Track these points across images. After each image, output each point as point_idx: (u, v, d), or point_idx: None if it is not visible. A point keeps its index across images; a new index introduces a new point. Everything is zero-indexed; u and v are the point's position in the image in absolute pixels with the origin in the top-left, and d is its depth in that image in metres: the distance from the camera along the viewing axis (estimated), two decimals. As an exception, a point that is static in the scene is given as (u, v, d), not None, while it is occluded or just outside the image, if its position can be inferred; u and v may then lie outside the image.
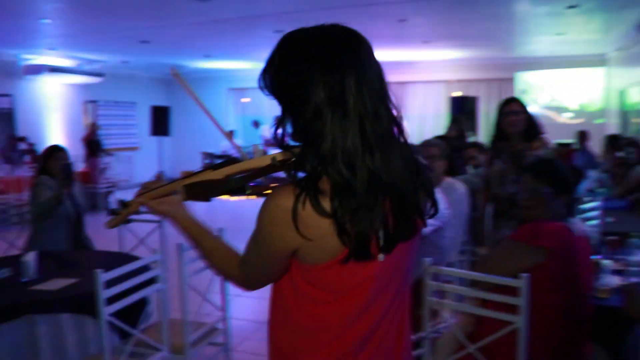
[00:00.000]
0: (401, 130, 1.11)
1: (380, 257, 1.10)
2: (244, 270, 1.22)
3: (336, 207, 1.03)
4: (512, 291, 2.03)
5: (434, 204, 1.19)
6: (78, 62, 11.24)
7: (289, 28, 1.14)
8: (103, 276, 2.21)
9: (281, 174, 1.15)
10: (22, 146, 9.73)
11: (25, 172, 8.76)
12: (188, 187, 1.27)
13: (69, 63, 11.06)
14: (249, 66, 12.71)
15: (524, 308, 2.00)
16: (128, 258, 3.16)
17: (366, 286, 1.12)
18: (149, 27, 7.99)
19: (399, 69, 12.56)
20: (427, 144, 3.44)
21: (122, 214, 1.39)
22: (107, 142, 12.49)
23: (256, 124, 13.39)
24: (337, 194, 1.03)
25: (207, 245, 1.27)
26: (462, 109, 9.43)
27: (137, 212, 1.38)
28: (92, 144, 10.61)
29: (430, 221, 1.23)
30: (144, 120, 12.08)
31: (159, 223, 3.84)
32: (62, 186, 3.73)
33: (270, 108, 13.98)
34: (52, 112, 11.35)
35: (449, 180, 3.43)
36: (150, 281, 2.53)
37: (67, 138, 11.56)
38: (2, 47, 9.79)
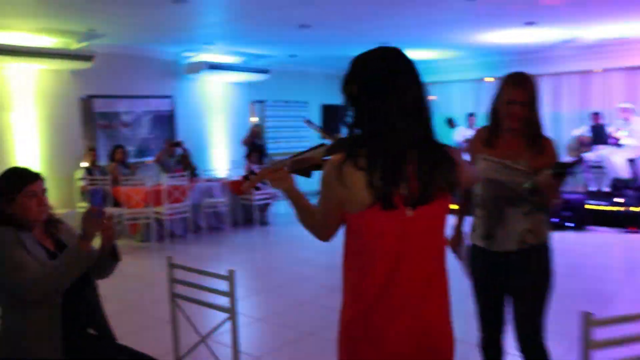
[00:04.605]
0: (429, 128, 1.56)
1: (409, 212, 1.48)
2: (315, 222, 1.68)
3: (368, 165, 1.48)
4: None
5: (453, 183, 1.54)
6: (242, 59, 10.21)
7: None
8: None
9: None
10: (179, 151, 8.86)
11: (177, 181, 7.75)
12: (295, 162, 1.75)
13: (231, 60, 10.06)
14: (434, 55, 10.61)
15: None
16: None
17: (392, 237, 1.50)
18: (306, 5, 6.41)
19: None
20: None
21: (252, 180, 1.78)
22: (275, 146, 11.37)
23: (451, 122, 11.25)
24: (370, 159, 1.48)
25: (300, 205, 1.72)
26: None
27: (262, 182, 1.82)
28: (254, 148, 9.42)
29: None
30: (316, 121, 10.77)
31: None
32: (90, 234, 2.12)
33: (462, 105, 11.80)
34: (215, 113, 10.47)
35: None
36: None
37: (231, 142, 10.63)
38: (161, 46, 9.04)
